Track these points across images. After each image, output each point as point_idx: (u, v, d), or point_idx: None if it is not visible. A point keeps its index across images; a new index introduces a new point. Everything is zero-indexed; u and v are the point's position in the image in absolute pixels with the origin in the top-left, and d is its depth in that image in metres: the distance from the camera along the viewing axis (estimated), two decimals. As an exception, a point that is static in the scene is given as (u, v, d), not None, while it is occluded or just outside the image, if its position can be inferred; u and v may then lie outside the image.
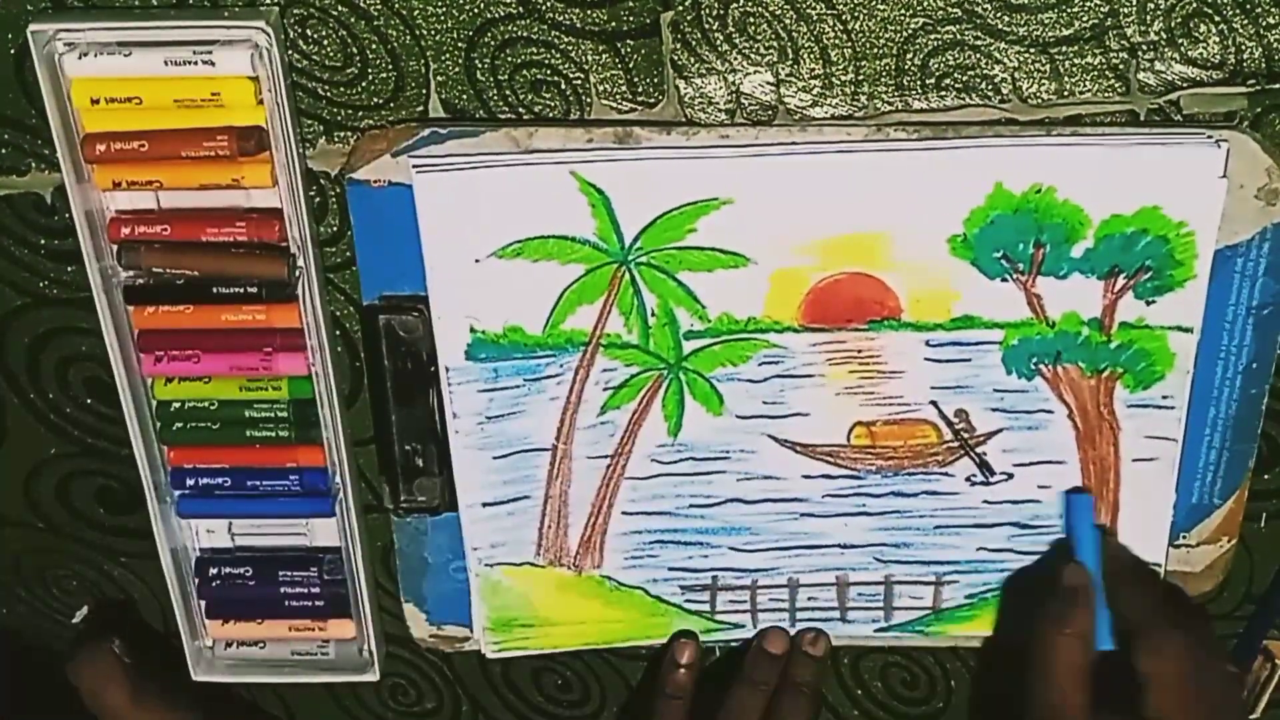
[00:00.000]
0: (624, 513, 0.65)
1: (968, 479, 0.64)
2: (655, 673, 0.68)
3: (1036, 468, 0.63)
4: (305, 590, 0.66)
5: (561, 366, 0.61)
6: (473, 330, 0.60)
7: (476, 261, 0.59)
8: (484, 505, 0.65)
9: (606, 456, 0.64)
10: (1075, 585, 0.60)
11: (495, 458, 0.63)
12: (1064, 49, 0.55)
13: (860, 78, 0.56)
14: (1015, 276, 0.59)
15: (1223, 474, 0.64)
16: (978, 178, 0.57)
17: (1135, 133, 0.56)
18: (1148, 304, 0.59)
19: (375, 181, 0.57)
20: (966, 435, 0.63)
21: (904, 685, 0.72)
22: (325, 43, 0.56)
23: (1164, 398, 0.61)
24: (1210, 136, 0.55)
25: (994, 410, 0.62)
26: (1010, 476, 0.64)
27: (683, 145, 0.57)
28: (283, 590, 0.66)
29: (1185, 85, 0.55)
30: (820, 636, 0.68)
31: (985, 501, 0.64)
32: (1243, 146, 0.56)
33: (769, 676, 0.67)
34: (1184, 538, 0.65)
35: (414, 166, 0.57)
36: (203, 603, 0.67)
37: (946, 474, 0.64)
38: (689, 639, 0.68)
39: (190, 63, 0.55)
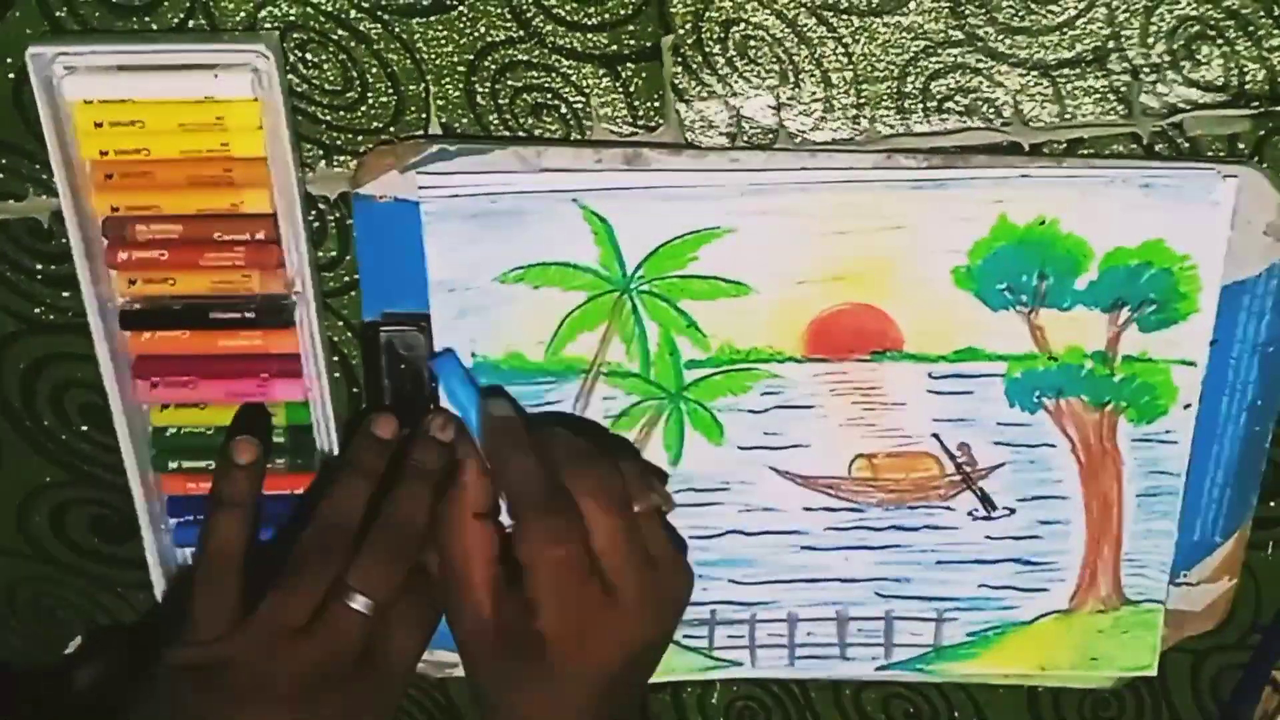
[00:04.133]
0: None
1: (969, 513, 0.62)
2: None
3: (1039, 502, 0.62)
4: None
5: (562, 394, 0.60)
6: (473, 355, 0.59)
7: (479, 286, 0.58)
8: None
9: None
10: (460, 458, 0.56)
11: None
12: (1066, 71, 0.54)
13: (861, 101, 0.55)
14: (1019, 308, 0.57)
15: (1225, 512, 0.62)
16: (982, 209, 0.56)
17: (1139, 165, 0.55)
18: (1152, 337, 0.58)
19: (381, 197, 0.56)
20: (969, 469, 0.61)
21: (907, 717, 0.70)
22: (325, 66, 0.55)
23: (1167, 432, 0.60)
24: (1219, 171, 0.54)
25: (996, 444, 0.61)
26: (1012, 511, 0.62)
27: (687, 169, 0.56)
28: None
29: (1188, 108, 0.54)
30: (450, 420, 0.58)
31: (987, 537, 0.63)
32: (1252, 181, 0.55)
33: (378, 463, 0.58)
34: (1185, 576, 0.64)
35: (420, 188, 0.56)
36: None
37: (948, 508, 0.62)
38: (249, 439, 0.57)
39: (191, 87, 0.54)
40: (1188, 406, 0.59)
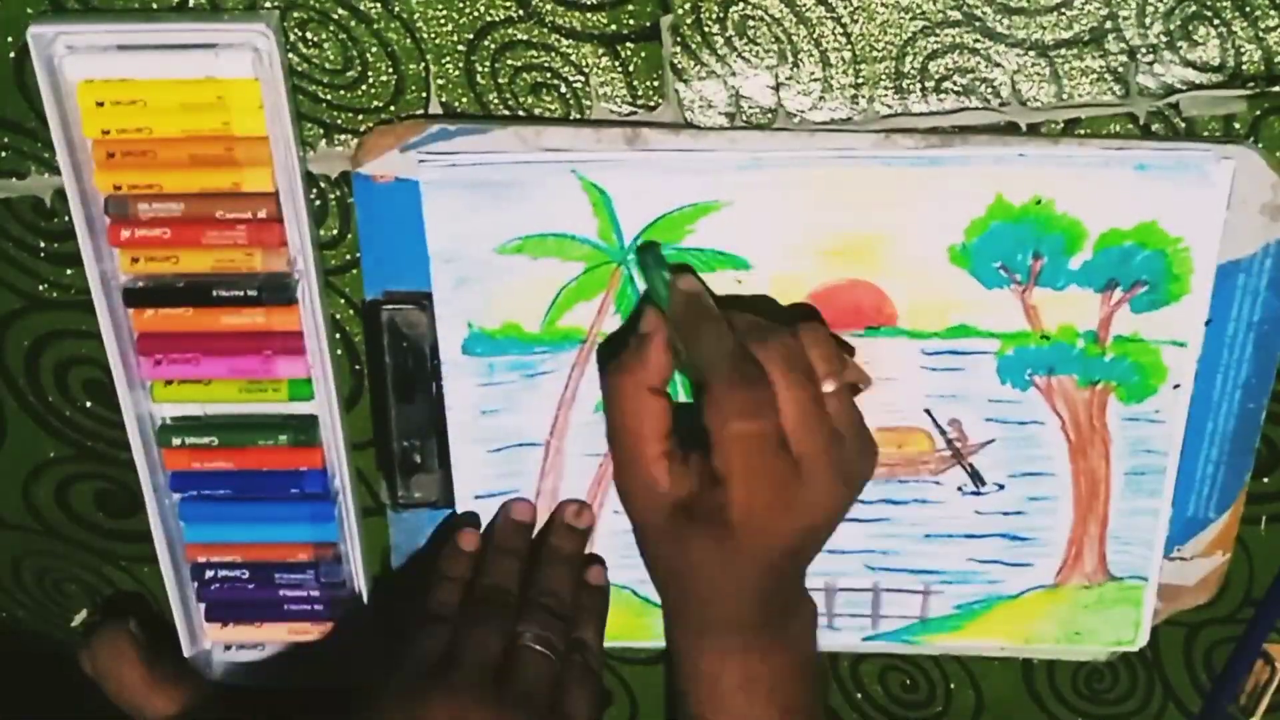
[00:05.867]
0: (615, 511, 0.62)
1: (959, 488, 0.61)
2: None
3: (1028, 479, 0.61)
4: (304, 594, 0.63)
5: (557, 363, 0.59)
6: (470, 325, 0.58)
7: (477, 257, 0.56)
8: (475, 498, 0.62)
9: (599, 455, 0.61)
10: (645, 331, 0.55)
11: (489, 451, 0.61)
12: (1063, 52, 0.53)
13: (860, 80, 0.53)
14: (1012, 287, 0.56)
15: (1219, 488, 0.61)
16: (979, 188, 0.54)
17: (1136, 146, 0.54)
18: (1143, 318, 0.57)
19: (380, 177, 0.55)
20: (959, 444, 0.60)
21: (903, 689, 0.69)
22: (325, 45, 0.54)
23: (1156, 412, 0.59)
24: (1214, 151, 0.53)
25: (987, 420, 0.60)
26: (1001, 487, 0.61)
27: (685, 148, 0.54)
28: (281, 593, 0.63)
29: (1185, 88, 0.53)
30: (584, 509, 0.62)
31: (975, 511, 0.62)
32: (1248, 162, 0.54)
33: (520, 544, 0.61)
34: (1178, 550, 0.63)
35: (420, 160, 0.54)
36: (202, 606, 0.64)
37: (937, 483, 0.61)
38: (474, 529, 0.62)
39: (192, 66, 0.52)
40: (1177, 386, 0.58)
